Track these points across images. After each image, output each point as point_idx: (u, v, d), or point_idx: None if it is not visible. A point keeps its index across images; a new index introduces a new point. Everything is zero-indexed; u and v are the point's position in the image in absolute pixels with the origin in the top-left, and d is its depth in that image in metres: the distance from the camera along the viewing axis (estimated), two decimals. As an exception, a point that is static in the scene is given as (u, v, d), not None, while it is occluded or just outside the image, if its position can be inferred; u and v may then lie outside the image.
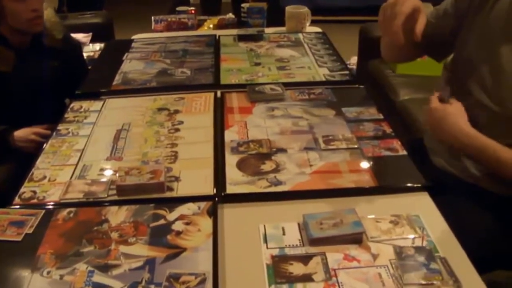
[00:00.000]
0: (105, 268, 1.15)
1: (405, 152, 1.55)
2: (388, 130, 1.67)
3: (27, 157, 1.68)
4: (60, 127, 1.76)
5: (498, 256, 1.41)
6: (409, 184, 1.42)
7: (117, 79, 2.12)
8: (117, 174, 1.42)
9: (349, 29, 4.43)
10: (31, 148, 1.96)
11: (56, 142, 1.67)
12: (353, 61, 3.72)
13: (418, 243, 1.22)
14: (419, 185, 1.41)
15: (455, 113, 1.46)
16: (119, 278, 1.13)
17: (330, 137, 1.62)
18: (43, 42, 2.18)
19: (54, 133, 1.72)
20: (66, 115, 1.84)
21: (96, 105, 1.92)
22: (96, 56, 2.88)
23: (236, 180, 1.43)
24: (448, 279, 1.11)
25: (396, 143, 1.59)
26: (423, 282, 1.10)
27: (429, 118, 1.53)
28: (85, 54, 2.72)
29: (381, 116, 1.75)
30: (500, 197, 1.46)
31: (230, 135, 1.65)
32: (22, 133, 2.02)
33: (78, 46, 2.51)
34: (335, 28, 3.96)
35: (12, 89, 2.08)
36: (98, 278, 1.13)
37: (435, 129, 1.53)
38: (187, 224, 1.27)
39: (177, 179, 1.45)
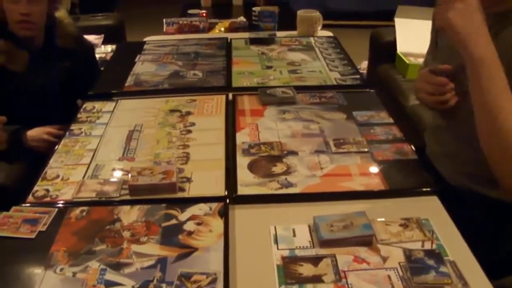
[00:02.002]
0: (117, 267, 1.17)
1: (415, 156, 1.56)
2: (399, 134, 1.68)
3: (39, 157, 1.70)
4: (73, 127, 1.78)
5: (508, 263, 1.41)
6: (418, 188, 1.42)
7: (129, 80, 2.14)
8: (130, 174, 1.43)
9: (360, 33, 4.44)
10: (43, 148, 1.98)
11: (69, 142, 1.69)
12: (363, 65, 3.73)
13: (427, 246, 1.22)
14: (428, 189, 1.41)
15: None
16: (131, 276, 1.14)
17: (341, 141, 1.62)
18: (56, 43, 2.20)
19: (67, 133, 1.74)
20: (79, 115, 1.86)
21: (108, 105, 1.94)
22: (108, 57, 2.91)
23: (247, 182, 1.44)
24: (457, 282, 1.11)
25: (407, 147, 1.60)
26: (432, 285, 1.10)
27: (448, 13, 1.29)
28: (97, 56, 2.74)
29: (392, 120, 1.76)
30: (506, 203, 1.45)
31: (242, 137, 1.66)
32: (35, 133, 2.04)
33: (90, 48, 2.54)
34: (346, 33, 3.97)
35: (25, 89, 2.10)
36: (110, 276, 1.14)
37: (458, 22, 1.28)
38: (199, 224, 1.29)
39: (188, 180, 1.46)
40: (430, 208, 1.36)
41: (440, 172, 1.65)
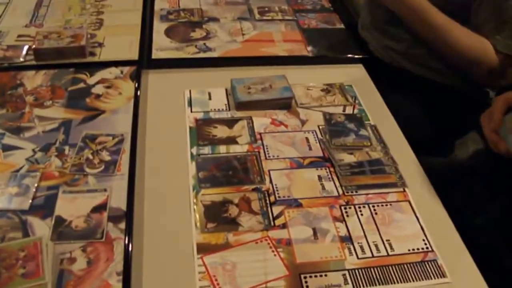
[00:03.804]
0: (17, 131, 1.08)
1: (342, 26, 1.49)
2: (327, 4, 1.60)
3: None
4: (-26, -6, 1.62)
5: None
6: (344, 55, 1.36)
7: None
8: (35, 38, 1.32)
9: None
10: None
11: (-31, 8, 1.54)
12: None
13: (349, 111, 1.18)
14: (354, 56, 1.36)
15: None
16: (32, 140, 1.06)
17: (266, 9, 1.54)
18: None
19: (-33, 1, 1.59)
20: (-17, -18, 1.70)
21: (17, -27, 1.77)
22: None
23: (164, 46, 1.35)
24: (376, 145, 1.08)
25: (334, 17, 1.53)
26: (351, 146, 1.06)
27: None
28: None
29: (321, -8, 1.68)
30: (429, 82, 1.42)
31: (160, 4, 1.56)
32: None
33: None
34: None
35: None
36: (9, 140, 1.06)
37: None
38: (108, 87, 1.20)
39: (100, 45, 1.36)
40: (355, 76, 1.31)
41: (370, 47, 1.59)
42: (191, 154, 1.03)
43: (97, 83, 1.21)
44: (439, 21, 1.27)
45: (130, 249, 0.84)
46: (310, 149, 1.06)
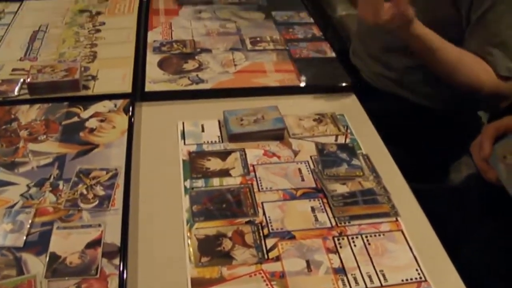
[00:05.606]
0: (11, 166, 1.08)
1: (333, 55, 1.51)
2: (318, 33, 1.62)
3: None
4: (-30, 27, 1.64)
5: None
6: (335, 84, 1.38)
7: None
8: (30, 72, 1.33)
9: None
10: None
11: (-36, 42, 1.55)
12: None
13: (341, 140, 1.19)
14: (345, 84, 1.37)
15: None
16: (26, 175, 1.06)
17: (258, 39, 1.56)
18: None
19: (-37, 34, 1.60)
20: (-22, 16, 1.72)
21: (12, 6, 1.80)
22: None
23: (157, 79, 1.36)
24: (369, 175, 1.08)
25: (325, 46, 1.54)
26: (344, 176, 1.07)
27: None
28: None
29: (312, 20, 1.70)
30: (421, 107, 1.43)
31: (154, 36, 1.57)
32: None
33: None
34: None
35: None
36: (3, 175, 1.06)
37: None
38: (102, 121, 1.21)
39: (94, 78, 1.37)
40: (347, 105, 1.32)
41: (362, 74, 1.60)
42: (185, 187, 1.03)
43: (91, 116, 1.22)
44: (451, 58, 1.26)
45: (124, 285, 0.84)
46: (303, 180, 1.07)
